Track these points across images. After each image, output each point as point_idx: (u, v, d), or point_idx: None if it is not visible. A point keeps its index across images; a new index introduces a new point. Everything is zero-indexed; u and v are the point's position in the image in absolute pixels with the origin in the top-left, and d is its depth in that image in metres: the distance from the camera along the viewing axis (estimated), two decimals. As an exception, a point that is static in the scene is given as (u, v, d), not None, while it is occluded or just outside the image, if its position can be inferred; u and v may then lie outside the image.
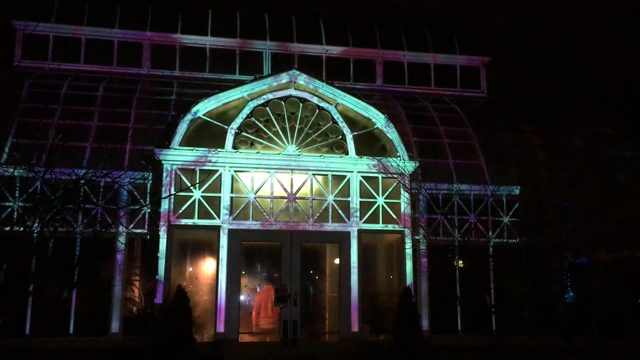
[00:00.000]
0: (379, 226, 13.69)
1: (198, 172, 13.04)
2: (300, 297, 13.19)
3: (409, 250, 13.54)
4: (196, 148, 13.07)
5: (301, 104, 13.98)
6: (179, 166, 13.02)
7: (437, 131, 15.59)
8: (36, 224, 8.91)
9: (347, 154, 13.81)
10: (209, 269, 14.42)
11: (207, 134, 13.44)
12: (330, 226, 13.51)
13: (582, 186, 12.58)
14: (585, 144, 15.54)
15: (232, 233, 13.02)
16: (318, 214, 13.52)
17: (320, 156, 13.63)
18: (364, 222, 13.61)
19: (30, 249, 9.02)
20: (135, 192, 13.04)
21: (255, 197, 13.32)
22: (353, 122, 14.16)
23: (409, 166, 13.68)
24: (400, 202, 13.77)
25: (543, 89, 22.52)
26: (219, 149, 13.20)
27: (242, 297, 13.73)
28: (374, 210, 13.72)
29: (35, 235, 8.93)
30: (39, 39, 16.40)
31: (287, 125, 13.83)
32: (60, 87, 14.90)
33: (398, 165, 13.48)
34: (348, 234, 13.50)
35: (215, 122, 13.54)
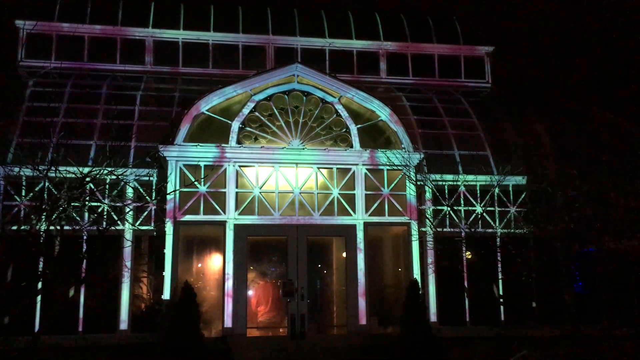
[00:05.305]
0: (385, 218, 13.66)
1: (203, 167, 13.04)
2: (307, 290, 13.20)
3: (415, 242, 13.50)
4: (200, 144, 13.06)
5: (304, 98, 13.94)
6: (184, 162, 13.02)
7: (442, 122, 15.52)
8: (42, 223, 8.94)
9: (351, 146, 13.76)
10: (215, 265, 14.44)
11: (211, 130, 13.43)
12: (336, 219, 13.48)
13: (589, 174, 12.48)
14: (591, 132, 15.42)
15: (237, 228, 13.02)
16: (323, 208, 13.48)
17: (325, 149, 13.59)
18: (369, 215, 13.57)
19: (37, 248, 9.04)
20: (140, 189, 13.08)
21: (260, 192, 13.31)
22: (357, 114, 14.11)
23: (414, 158, 13.62)
24: (405, 194, 13.72)
25: (548, 77, 22.37)
26: (223, 144, 13.19)
27: (249, 292, 13.75)
28: (380, 202, 13.68)
29: (41, 233, 8.96)
30: (42, 38, 16.48)
31: (290, 119, 13.80)
32: (64, 86, 14.91)
33: (403, 157, 13.41)
34: (354, 226, 13.47)
35: (219, 117, 13.53)
